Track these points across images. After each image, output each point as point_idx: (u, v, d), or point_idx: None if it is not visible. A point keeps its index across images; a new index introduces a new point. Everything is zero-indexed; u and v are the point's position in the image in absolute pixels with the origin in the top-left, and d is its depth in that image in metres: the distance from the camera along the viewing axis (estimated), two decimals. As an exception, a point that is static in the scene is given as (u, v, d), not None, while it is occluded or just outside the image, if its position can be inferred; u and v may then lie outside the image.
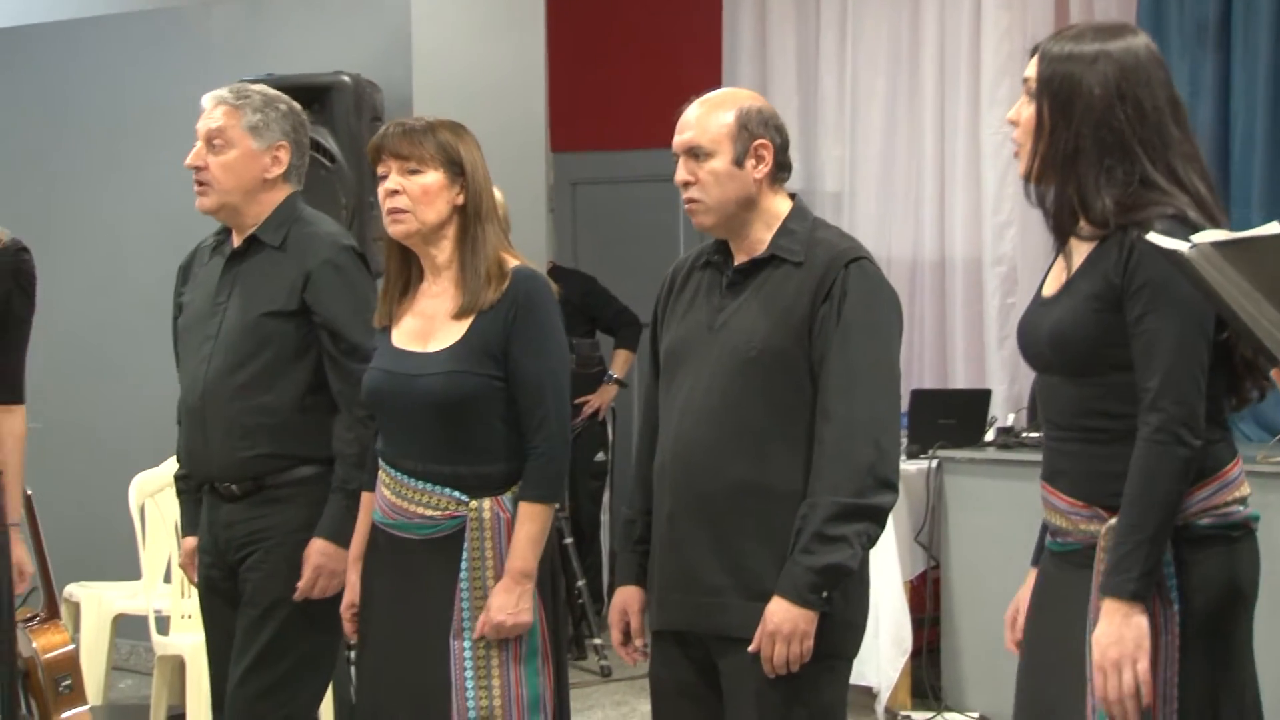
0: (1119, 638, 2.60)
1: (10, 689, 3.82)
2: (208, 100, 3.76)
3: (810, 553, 2.94)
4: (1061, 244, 2.78)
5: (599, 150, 8.55)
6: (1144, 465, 2.60)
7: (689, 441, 3.09)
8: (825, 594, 2.96)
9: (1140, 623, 2.60)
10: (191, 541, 3.85)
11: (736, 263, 3.14)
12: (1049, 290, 2.79)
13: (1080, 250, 2.72)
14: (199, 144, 3.72)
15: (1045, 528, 2.86)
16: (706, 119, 3.10)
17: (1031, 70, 2.74)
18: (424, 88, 5.92)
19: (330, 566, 3.59)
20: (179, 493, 3.90)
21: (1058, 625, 2.76)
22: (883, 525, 3.02)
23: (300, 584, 3.61)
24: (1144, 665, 2.59)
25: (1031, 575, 2.91)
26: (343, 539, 3.54)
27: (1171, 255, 2.27)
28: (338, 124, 5.80)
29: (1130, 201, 2.64)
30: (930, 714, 5.90)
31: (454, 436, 3.29)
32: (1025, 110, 2.75)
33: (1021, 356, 2.89)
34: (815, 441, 3.00)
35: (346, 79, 5.82)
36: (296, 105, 3.81)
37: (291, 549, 3.63)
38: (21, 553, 3.91)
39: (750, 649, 2.98)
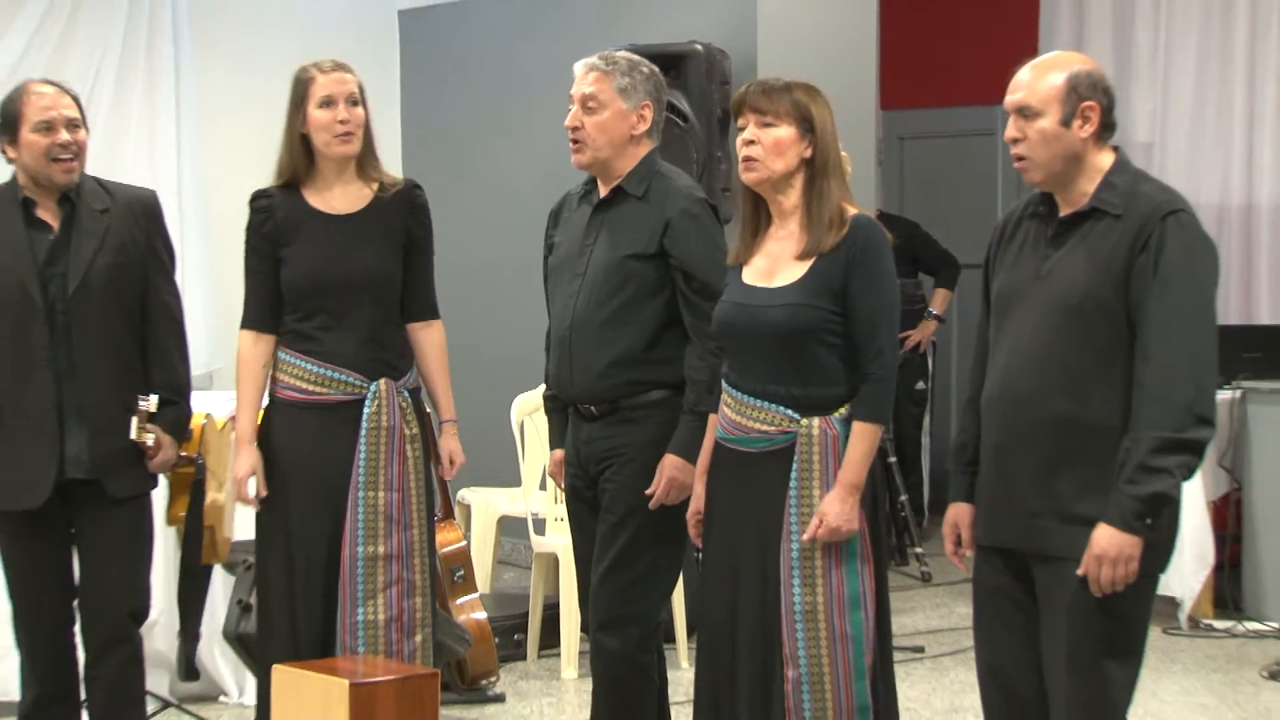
0: None
1: (434, 565, 4.15)
2: (579, 67, 3.93)
3: (1135, 483, 2.99)
4: None
5: (924, 108, 8.52)
6: None
7: (1015, 379, 3.16)
8: (1149, 521, 3.00)
9: None
10: (559, 453, 4.08)
11: (1061, 214, 3.18)
12: None
13: None
14: (574, 107, 3.89)
15: None
16: (1037, 81, 3.12)
17: None
18: (768, 53, 6.08)
19: (681, 479, 3.78)
20: (548, 410, 4.13)
21: None
22: (1201, 457, 3.04)
23: (655, 492, 3.81)
24: None
25: None
26: (693, 455, 3.74)
27: None
28: (691, 88, 6.09)
29: None
30: (1230, 623, 6.10)
31: (791, 362, 3.46)
32: None
33: None
34: (1135, 382, 3.03)
35: (699, 47, 6.12)
36: (655, 68, 3.98)
37: (643, 463, 3.84)
38: (456, 445, 4.19)
39: (1079, 572, 3.03)
